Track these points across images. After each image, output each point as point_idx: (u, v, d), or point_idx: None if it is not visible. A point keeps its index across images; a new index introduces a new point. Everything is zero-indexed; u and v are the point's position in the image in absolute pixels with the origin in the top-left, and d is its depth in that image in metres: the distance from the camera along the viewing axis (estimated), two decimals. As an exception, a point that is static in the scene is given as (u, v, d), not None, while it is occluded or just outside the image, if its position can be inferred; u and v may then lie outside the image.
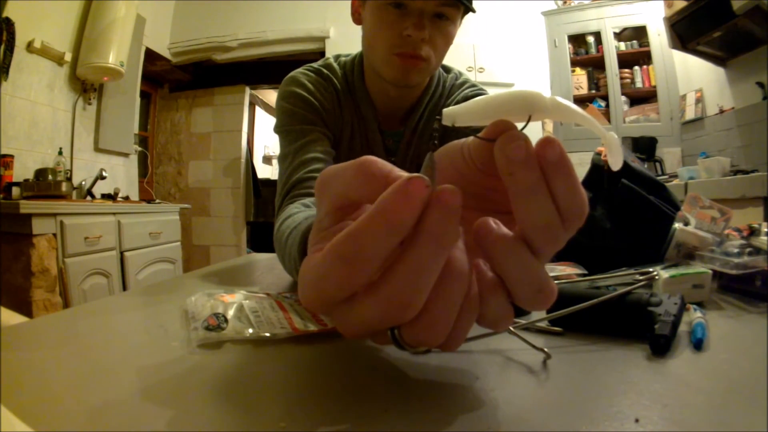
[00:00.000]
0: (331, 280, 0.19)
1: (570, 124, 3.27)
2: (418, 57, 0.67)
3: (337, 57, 0.82)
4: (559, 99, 0.21)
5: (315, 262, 0.20)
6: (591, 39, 3.57)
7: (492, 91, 0.84)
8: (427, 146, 0.24)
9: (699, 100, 3.07)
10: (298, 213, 0.57)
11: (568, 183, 0.20)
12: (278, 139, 0.76)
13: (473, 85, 0.81)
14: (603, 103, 3.54)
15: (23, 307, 1.85)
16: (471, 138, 0.23)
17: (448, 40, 0.69)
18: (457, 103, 0.76)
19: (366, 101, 0.77)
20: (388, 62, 0.69)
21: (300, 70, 0.80)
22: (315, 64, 0.81)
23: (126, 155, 3.23)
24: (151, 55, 3.41)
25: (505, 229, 0.21)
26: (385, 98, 0.76)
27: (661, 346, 0.32)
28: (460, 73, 0.84)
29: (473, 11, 0.70)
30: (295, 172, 0.67)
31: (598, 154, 0.68)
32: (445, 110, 0.22)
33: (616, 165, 0.23)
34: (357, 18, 0.74)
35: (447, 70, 0.83)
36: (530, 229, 0.20)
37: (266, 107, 5.13)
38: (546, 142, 0.20)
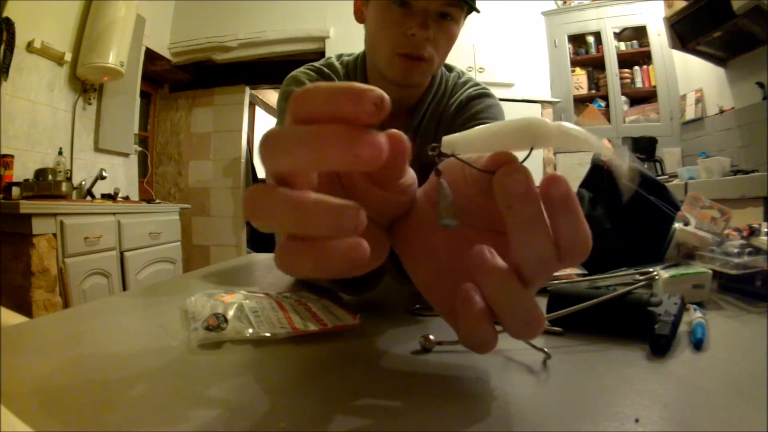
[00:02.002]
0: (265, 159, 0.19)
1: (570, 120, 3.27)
2: (421, 57, 0.66)
3: (339, 56, 0.82)
4: (565, 125, 0.20)
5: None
6: (591, 39, 3.58)
7: (492, 91, 0.83)
8: (429, 146, 0.24)
9: (699, 100, 3.07)
10: None
11: (572, 221, 0.20)
12: None
13: (476, 84, 0.81)
14: (603, 103, 3.54)
15: (23, 307, 1.85)
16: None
17: (451, 40, 0.69)
18: (461, 101, 0.76)
19: None
20: (390, 62, 0.68)
21: (301, 69, 0.80)
22: (317, 63, 0.81)
23: (126, 155, 3.22)
24: (151, 55, 3.41)
25: (498, 260, 0.21)
26: (391, 98, 0.76)
27: (661, 346, 0.32)
28: (462, 72, 0.83)
29: (477, 11, 0.70)
30: None
31: (599, 154, 0.68)
32: (444, 138, 0.22)
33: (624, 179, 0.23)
34: (360, 16, 0.74)
35: (449, 69, 0.83)
36: (524, 261, 0.20)
37: (266, 107, 5.13)
38: (552, 180, 0.20)
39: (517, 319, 0.21)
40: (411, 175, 0.25)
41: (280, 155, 0.18)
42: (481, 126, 0.21)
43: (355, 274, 0.20)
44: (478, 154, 0.22)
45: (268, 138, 0.19)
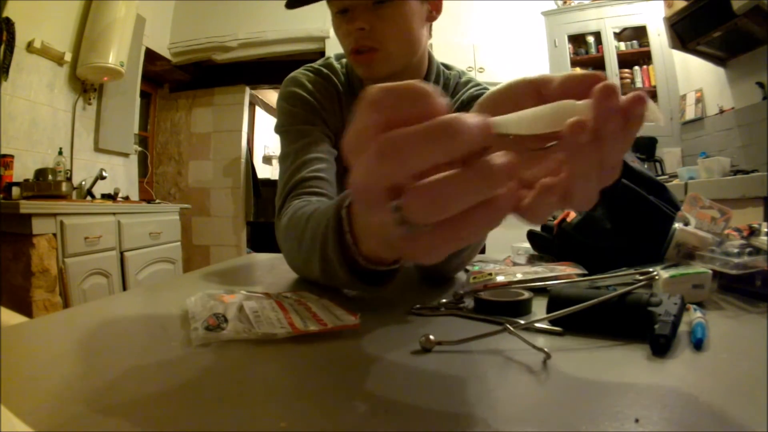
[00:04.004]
0: (372, 172, 0.20)
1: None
2: (367, 49, 0.68)
3: (339, 56, 0.82)
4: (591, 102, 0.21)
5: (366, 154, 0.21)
6: (591, 39, 3.57)
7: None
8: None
9: (699, 100, 3.07)
10: (310, 204, 0.57)
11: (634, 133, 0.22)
12: (279, 139, 0.76)
13: (477, 84, 0.81)
14: (603, 103, 3.53)
15: (23, 307, 1.85)
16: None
17: (398, 22, 0.68)
18: (462, 102, 0.76)
19: None
20: (352, 63, 0.73)
21: (300, 70, 0.80)
22: (316, 64, 0.81)
23: (126, 155, 3.23)
24: (151, 55, 3.41)
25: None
26: None
27: (661, 346, 0.32)
28: (463, 72, 0.83)
29: None
30: (296, 171, 0.67)
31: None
32: (492, 120, 0.22)
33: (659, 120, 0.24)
34: None
35: (448, 68, 0.83)
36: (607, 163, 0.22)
37: (266, 107, 5.13)
38: (637, 99, 0.21)
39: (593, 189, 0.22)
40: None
41: (415, 156, 0.19)
42: (528, 109, 0.22)
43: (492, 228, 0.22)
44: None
45: (395, 142, 0.20)
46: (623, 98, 0.21)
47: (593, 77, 0.22)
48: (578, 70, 0.24)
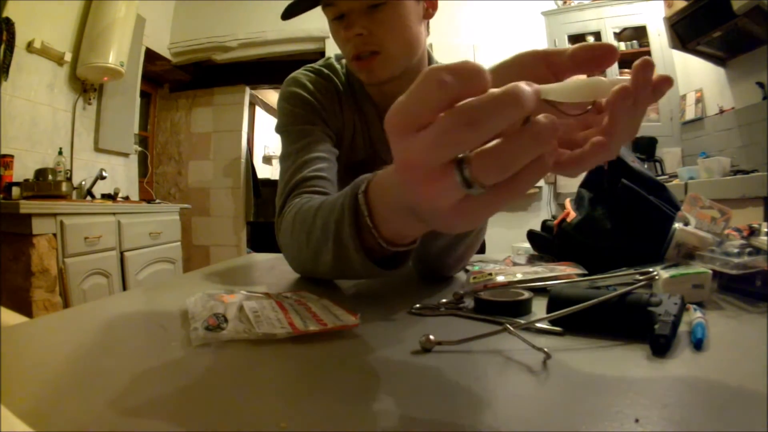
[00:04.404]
0: (451, 137, 0.23)
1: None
2: (366, 54, 0.68)
3: (339, 57, 0.82)
4: (614, 79, 0.26)
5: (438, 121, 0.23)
6: (591, 39, 3.57)
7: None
8: None
9: (699, 100, 3.07)
10: (315, 199, 0.58)
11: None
12: (280, 140, 0.76)
13: None
14: (603, 103, 3.54)
15: (23, 307, 1.85)
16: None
17: (396, 24, 0.67)
18: None
19: (367, 99, 0.78)
20: (353, 68, 0.72)
21: (301, 70, 0.80)
22: (316, 64, 0.81)
23: (126, 155, 3.23)
24: (151, 55, 3.41)
25: None
26: (384, 95, 0.77)
27: (661, 346, 0.32)
28: None
29: None
30: (298, 171, 0.67)
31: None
32: (540, 87, 0.25)
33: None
34: None
35: None
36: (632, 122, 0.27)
37: (266, 107, 5.13)
38: (666, 79, 0.26)
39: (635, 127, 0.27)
40: None
41: (489, 123, 0.22)
42: (567, 81, 0.26)
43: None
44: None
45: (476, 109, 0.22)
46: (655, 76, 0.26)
47: (602, 47, 0.26)
48: (589, 40, 0.27)
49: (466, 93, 0.22)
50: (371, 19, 0.66)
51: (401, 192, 0.31)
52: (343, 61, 0.82)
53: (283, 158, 0.72)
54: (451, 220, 0.26)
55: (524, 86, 0.22)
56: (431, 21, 0.77)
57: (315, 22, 3.50)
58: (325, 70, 0.79)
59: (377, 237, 0.39)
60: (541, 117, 0.23)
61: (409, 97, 0.24)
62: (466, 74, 0.23)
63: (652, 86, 0.25)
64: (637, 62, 0.25)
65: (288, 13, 0.71)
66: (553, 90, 0.24)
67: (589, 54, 0.27)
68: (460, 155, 0.23)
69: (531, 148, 0.23)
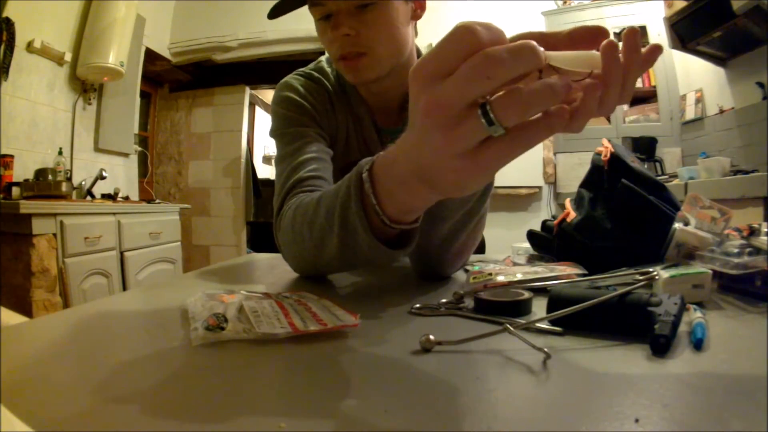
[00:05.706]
0: (470, 86, 0.26)
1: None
2: (352, 55, 0.67)
3: (330, 59, 0.83)
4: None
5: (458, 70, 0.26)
6: (591, 39, 3.57)
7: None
8: None
9: (699, 100, 3.07)
10: (315, 193, 0.58)
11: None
12: (275, 143, 0.76)
13: None
14: (603, 103, 3.53)
15: (23, 307, 1.85)
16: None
17: (384, 25, 0.67)
18: None
19: (358, 100, 0.78)
20: (341, 69, 0.72)
21: (292, 75, 0.81)
22: (306, 68, 0.82)
23: (126, 155, 3.23)
24: (151, 55, 3.41)
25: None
26: (374, 95, 0.77)
27: (661, 346, 0.32)
28: None
29: None
30: (294, 172, 0.67)
31: (598, 154, 0.68)
32: (547, 51, 0.28)
33: None
34: None
35: None
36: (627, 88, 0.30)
37: (266, 107, 5.13)
38: (655, 48, 0.29)
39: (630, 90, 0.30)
40: None
41: (509, 67, 0.25)
42: (569, 51, 0.29)
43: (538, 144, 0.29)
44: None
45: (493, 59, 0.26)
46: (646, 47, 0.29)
47: (597, 28, 0.29)
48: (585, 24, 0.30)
49: (490, 43, 0.26)
50: (359, 20, 0.66)
51: (415, 150, 0.33)
52: None
53: (279, 161, 0.72)
54: (463, 174, 0.29)
55: (535, 43, 0.26)
56: (431, 21, 0.77)
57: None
58: (316, 74, 0.80)
59: (381, 214, 0.40)
60: (552, 77, 0.26)
61: (440, 46, 0.27)
62: (491, 26, 0.27)
63: (639, 49, 0.28)
64: (625, 30, 0.30)
65: (274, 13, 0.71)
66: (556, 57, 0.27)
67: (585, 32, 0.30)
68: (482, 100, 0.26)
69: (546, 94, 0.26)
